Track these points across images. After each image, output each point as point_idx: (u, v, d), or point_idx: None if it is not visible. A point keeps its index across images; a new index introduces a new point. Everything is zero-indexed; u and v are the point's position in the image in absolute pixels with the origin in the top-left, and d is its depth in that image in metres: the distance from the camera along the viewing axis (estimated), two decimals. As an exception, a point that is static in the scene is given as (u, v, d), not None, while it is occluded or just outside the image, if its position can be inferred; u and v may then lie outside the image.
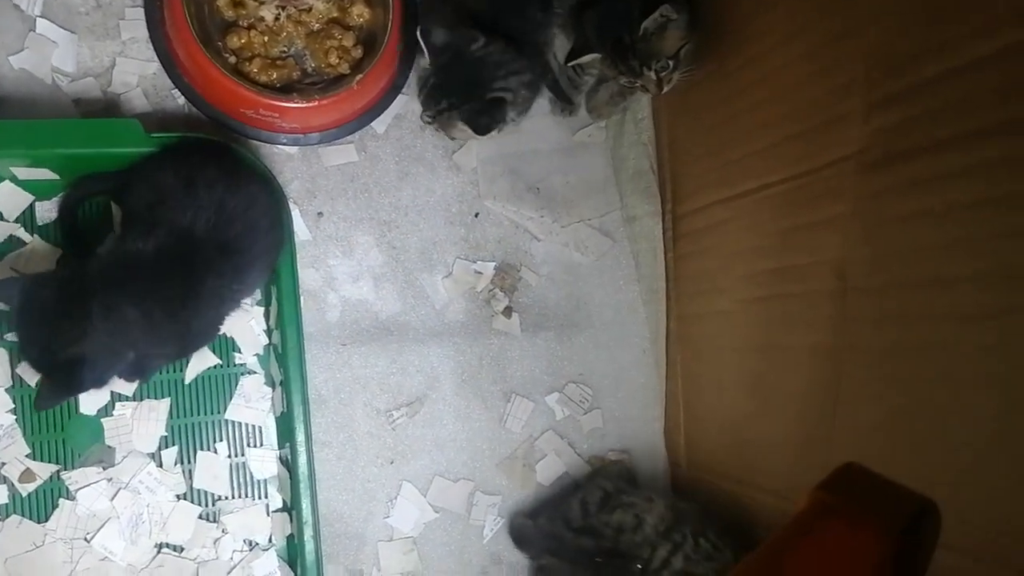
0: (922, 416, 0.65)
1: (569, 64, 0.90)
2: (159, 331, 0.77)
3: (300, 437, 0.85)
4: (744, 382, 0.88)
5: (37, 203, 0.87)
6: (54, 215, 0.87)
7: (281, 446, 0.90)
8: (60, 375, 0.74)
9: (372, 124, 0.97)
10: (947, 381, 0.63)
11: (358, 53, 0.94)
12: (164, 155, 0.82)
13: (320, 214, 0.96)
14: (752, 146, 0.84)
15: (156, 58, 0.92)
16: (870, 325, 0.70)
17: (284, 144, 0.94)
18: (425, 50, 0.88)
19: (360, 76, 0.90)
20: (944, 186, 0.62)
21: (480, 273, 1.01)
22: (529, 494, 0.99)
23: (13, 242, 0.86)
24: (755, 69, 0.82)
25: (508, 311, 1.01)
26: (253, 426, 0.91)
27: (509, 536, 0.97)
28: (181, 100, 0.92)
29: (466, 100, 0.88)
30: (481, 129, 0.88)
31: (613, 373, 1.03)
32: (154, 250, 0.75)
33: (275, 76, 0.92)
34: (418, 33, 0.87)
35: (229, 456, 0.90)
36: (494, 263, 1.01)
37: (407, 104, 0.99)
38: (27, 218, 0.87)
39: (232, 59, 0.92)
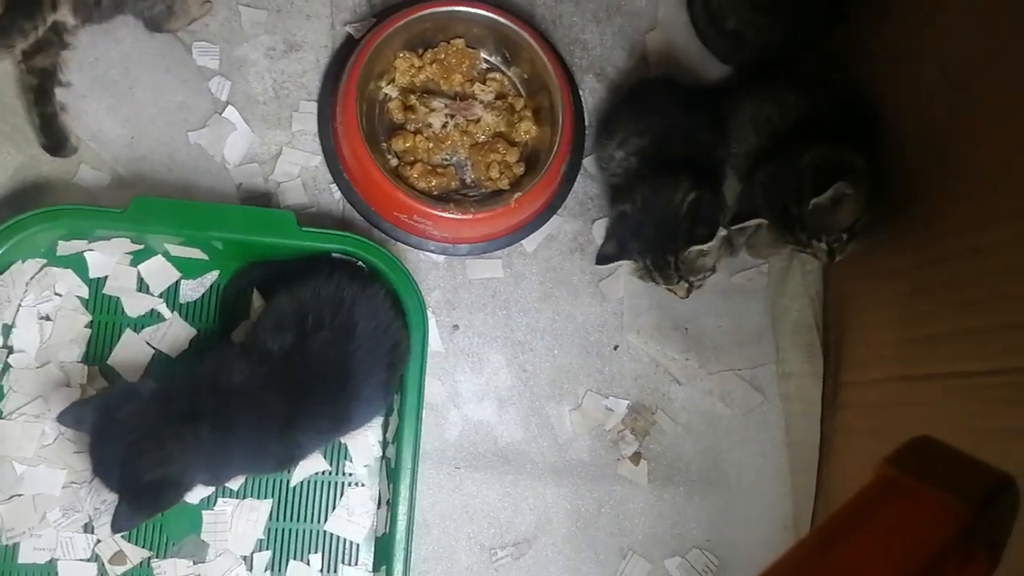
0: None
1: (732, 228, 0.82)
2: (238, 454, 0.76)
3: (398, 566, 0.79)
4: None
5: (183, 281, 0.87)
6: (197, 295, 0.86)
7: (375, 568, 0.84)
8: (144, 497, 0.71)
9: (522, 242, 0.94)
10: None
11: (520, 170, 0.91)
12: (312, 279, 0.79)
13: (456, 327, 0.92)
14: (953, 325, 0.73)
15: (321, 152, 0.92)
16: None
17: (432, 252, 0.92)
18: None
19: (519, 194, 0.86)
20: None
21: (611, 411, 0.93)
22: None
23: (153, 316, 0.86)
24: (968, 238, 0.73)
25: (637, 457, 0.92)
26: (351, 542, 0.85)
27: None
28: (337, 195, 0.92)
29: None
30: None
31: (746, 545, 0.91)
32: (257, 385, 0.74)
33: (434, 183, 0.90)
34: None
35: (321, 571, 0.84)
36: (628, 402, 0.93)
37: (560, 225, 0.95)
38: (171, 295, 0.86)
39: (394, 161, 0.91)
